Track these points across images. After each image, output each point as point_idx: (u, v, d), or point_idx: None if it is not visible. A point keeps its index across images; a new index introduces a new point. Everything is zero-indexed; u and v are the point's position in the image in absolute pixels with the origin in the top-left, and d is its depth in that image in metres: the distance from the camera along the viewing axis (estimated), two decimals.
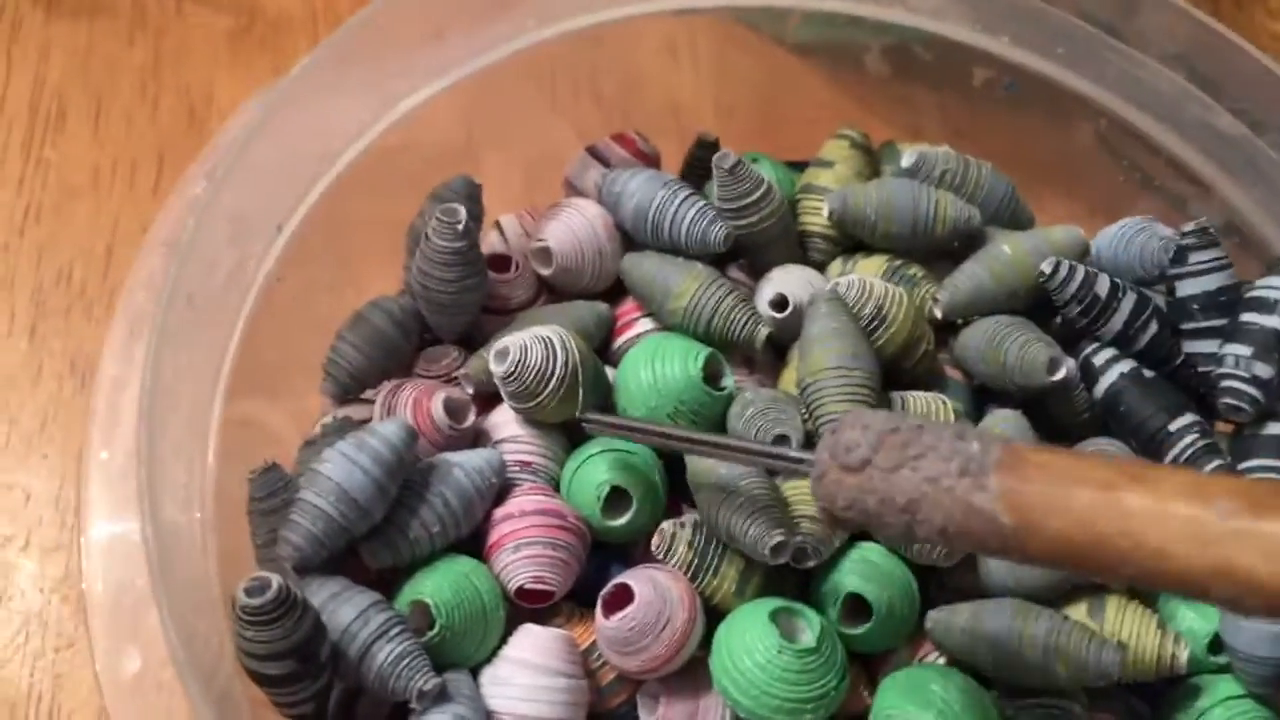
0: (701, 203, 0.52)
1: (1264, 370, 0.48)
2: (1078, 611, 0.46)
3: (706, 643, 0.45)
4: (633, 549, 0.49)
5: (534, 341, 0.46)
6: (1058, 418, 0.51)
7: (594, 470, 0.47)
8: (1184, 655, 0.45)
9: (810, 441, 0.47)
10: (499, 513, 0.46)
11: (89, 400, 0.44)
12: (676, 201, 0.52)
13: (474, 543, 0.47)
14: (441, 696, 0.42)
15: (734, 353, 0.51)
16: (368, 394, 0.51)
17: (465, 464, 0.46)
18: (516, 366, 0.46)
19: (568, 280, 0.53)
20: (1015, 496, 0.32)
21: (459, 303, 0.50)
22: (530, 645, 0.44)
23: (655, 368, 0.48)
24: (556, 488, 0.48)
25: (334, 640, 0.41)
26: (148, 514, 0.39)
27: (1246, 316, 0.49)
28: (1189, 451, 0.48)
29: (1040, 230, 0.53)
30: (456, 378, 0.51)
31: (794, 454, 0.40)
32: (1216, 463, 0.48)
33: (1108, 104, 0.54)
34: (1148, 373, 0.50)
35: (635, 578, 0.44)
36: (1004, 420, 0.48)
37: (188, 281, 0.42)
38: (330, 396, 0.50)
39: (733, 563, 0.46)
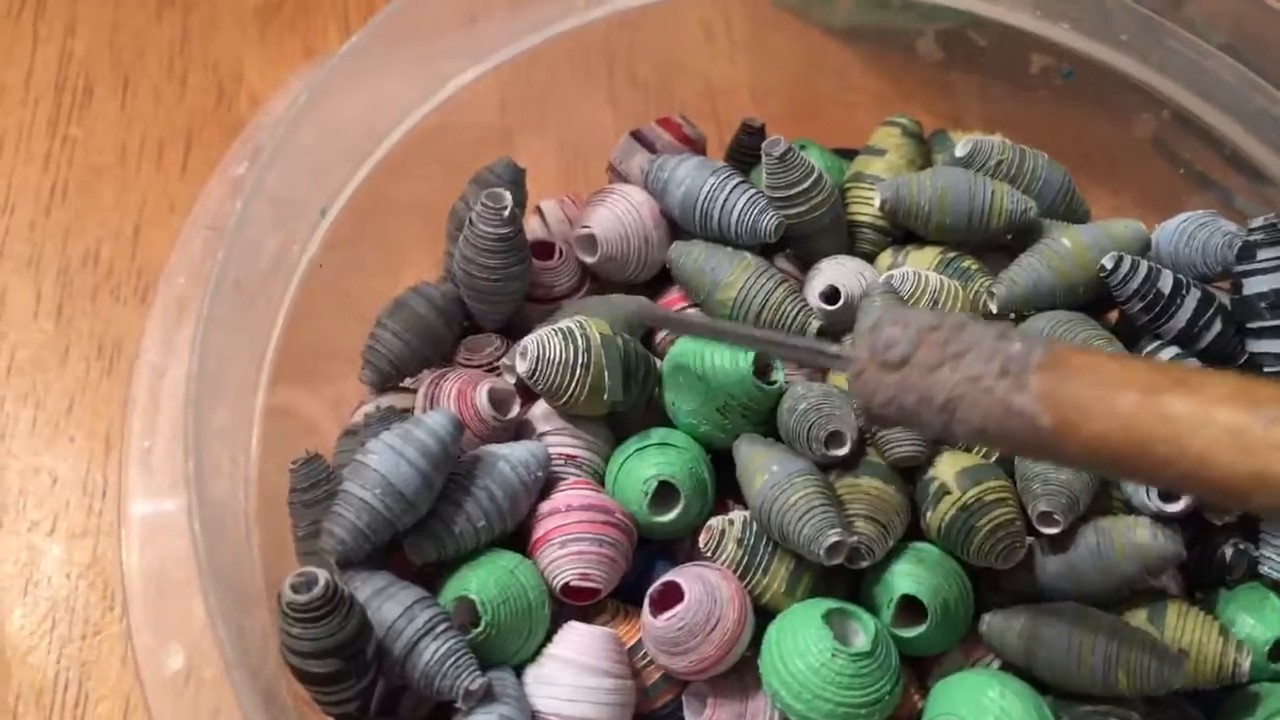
0: (753, 191, 0.51)
1: None
2: (1137, 617, 0.45)
3: (755, 643, 0.44)
4: (677, 545, 0.48)
5: (551, 334, 0.45)
6: None
7: (642, 465, 0.46)
8: (1246, 663, 0.44)
9: (863, 440, 0.46)
10: (545, 507, 0.45)
11: (123, 384, 0.43)
12: (727, 189, 0.50)
13: (517, 537, 0.46)
14: (487, 696, 0.41)
15: None
16: (407, 383, 0.50)
17: (510, 456, 0.45)
18: (537, 363, 0.45)
19: (613, 269, 0.52)
20: (1056, 398, 0.31)
21: (503, 290, 0.49)
22: (576, 644, 0.43)
23: (705, 361, 0.47)
24: (600, 482, 0.47)
25: (378, 637, 0.40)
26: (195, 505, 0.37)
27: None
28: None
29: (1100, 223, 0.52)
30: (498, 367, 0.50)
31: (833, 350, 0.39)
32: None
33: (1170, 94, 0.52)
34: None
35: (685, 576, 0.43)
36: None
37: (234, 266, 0.41)
38: (370, 385, 0.49)
39: (783, 561, 0.45)
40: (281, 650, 0.38)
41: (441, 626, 0.41)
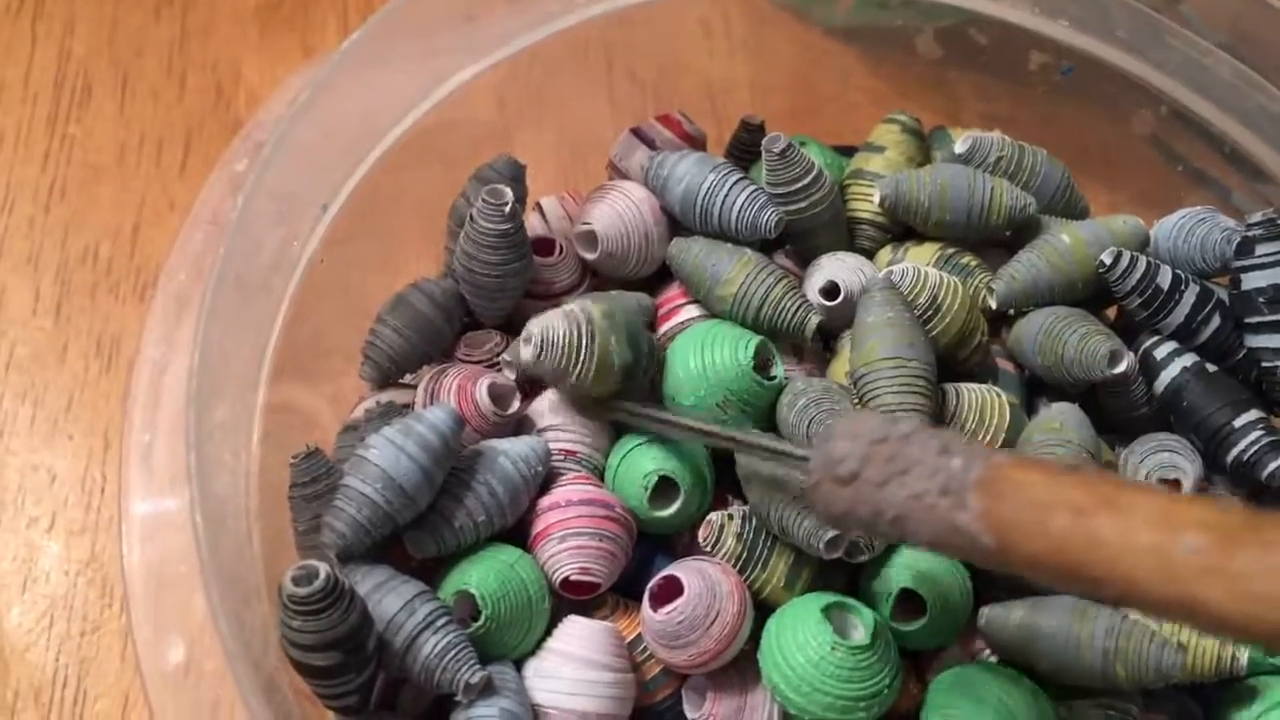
0: (753, 187, 0.51)
1: None
2: (1135, 611, 0.45)
3: (754, 636, 0.44)
4: (676, 540, 0.48)
5: (553, 317, 0.45)
6: (1112, 412, 0.50)
7: (641, 459, 0.46)
8: (1245, 657, 0.44)
9: None
10: (544, 502, 0.45)
11: (122, 381, 0.43)
12: (727, 186, 0.50)
13: (517, 532, 0.46)
14: (487, 689, 0.41)
15: (782, 341, 0.50)
16: (406, 378, 0.50)
17: (510, 451, 0.45)
18: (543, 345, 0.45)
19: (613, 265, 0.52)
20: (994, 516, 0.32)
21: (503, 287, 0.49)
22: (576, 638, 0.43)
23: (704, 356, 0.47)
24: (600, 477, 0.47)
25: (379, 630, 0.40)
26: (196, 500, 0.37)
27: None
28: (1254, 448, 0.47)
29: (1099, 220, 0.52)
30: (498, 363, 0.50)
31: (798, 453, 0.40)
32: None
33: (1169, 91, 0.52)
34: (1210, 367, 0.49)
35: (684, 570, 0.43)
36: (1061, 414, 0.47)
37: (235, 262, 0.41)
38: (369, 380, 0.49)
39: (782, 555, 0.45)
40: (282, 643, 0.38)
41: (442, 620, 0.41)
